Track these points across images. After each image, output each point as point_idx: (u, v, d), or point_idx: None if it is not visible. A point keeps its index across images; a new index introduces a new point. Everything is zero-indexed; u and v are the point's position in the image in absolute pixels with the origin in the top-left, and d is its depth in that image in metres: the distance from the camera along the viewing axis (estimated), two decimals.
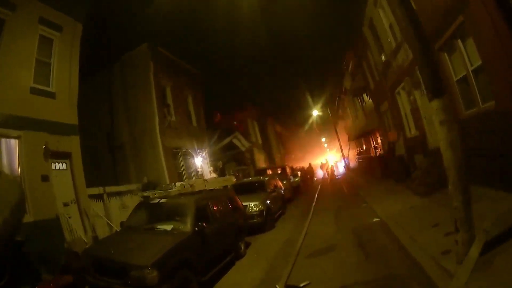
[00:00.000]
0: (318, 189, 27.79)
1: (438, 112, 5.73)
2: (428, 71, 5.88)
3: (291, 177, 27.72)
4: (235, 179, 16.65)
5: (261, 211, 14.25)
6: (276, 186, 18.41)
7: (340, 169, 50.79)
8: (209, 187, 11.65)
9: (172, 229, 7.85)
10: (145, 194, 9.89)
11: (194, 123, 26.54)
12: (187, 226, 7.85)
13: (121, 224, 9.36)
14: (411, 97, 16.92)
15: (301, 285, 4.51)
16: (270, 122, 52.92)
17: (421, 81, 15.13)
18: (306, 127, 66.93)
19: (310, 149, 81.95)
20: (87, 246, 10.44)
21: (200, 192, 10.60)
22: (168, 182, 19.09)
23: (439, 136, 5.83)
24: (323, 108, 48.45)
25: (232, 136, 30.16)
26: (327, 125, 65.63)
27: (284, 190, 21.07)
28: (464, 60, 10.00)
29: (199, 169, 24.23)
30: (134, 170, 21.16)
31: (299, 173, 39.18)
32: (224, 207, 10.58)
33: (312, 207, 18.18)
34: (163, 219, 8.44)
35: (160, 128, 20.90)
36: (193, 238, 7.65)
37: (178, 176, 21.70)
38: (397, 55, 17.55)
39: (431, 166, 14.22)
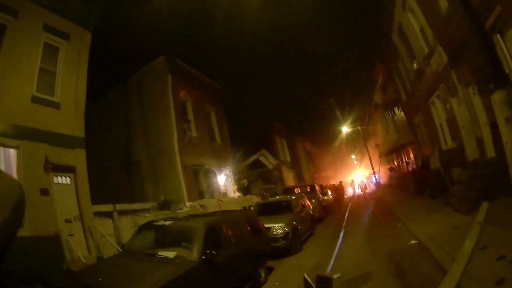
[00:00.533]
0: (349, 208, 26.39)
1: (501, 107, 4.53)
2: (486, 55, 4.70)
3: (321, 196, 26.57)
4: (256, 199, 15.61)
5: (286, 234, 13.05)
6: (304, 206, 17.24)
7: (369, 185, 49.09)
8: (225, 208, 10.49)
9: (175, 256, 6.69)
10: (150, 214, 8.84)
11: (218, 139, 25.79)
12: (193, 253, 6.70)
13: (122, 246, 8.52)
14: (447, 106, 15.66)
15: (334, 276, 3.57)
16: (299, 140, 51.80)
17: (458, 84, 13.99)
18: (337, 143, 65.21)
19: (339, 167, 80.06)
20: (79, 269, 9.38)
21: (213, 214, 9.53)
22: (187, 201, 18.33)
23: (504, 137, 4.57)
24: (353, 123, 46.91)
25: (259, 154, 29.10)
26: (357, 141, 64.18)
27: (313, 210, 19.91)
28: None
29: (222, 188, 23.25)
30: (151, 188, 20.41)
31: (329, 191, 37.94)
32: (242, 231, 9.46)
33: (343, 227, 16.94)
34: (167, 244, 7.39)
35: (178, 145, 20.12)
36: (200, 268, 6.50)
37: (199, 195, 20.77)
38: (430, 61, 16.42)
39: (472, 179, 12.88)
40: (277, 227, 13.08)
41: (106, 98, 23.23)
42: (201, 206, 9.45)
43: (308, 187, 27.54)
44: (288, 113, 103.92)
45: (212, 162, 22.99)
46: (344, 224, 18.02)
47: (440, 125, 17.86)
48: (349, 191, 54.17)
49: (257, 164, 31.37)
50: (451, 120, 15.71)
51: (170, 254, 6.76)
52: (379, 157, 46.75)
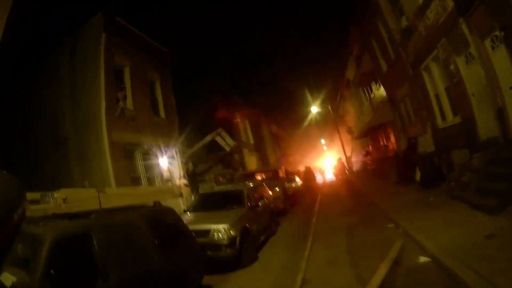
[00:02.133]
0: (319, 198, 22.83)
1: None
2: None
3: (286, 183, 23.07)
4: (185, 190, 11.85)
5: (232, 239, 9.39)
6: (262, 197, 13.58)
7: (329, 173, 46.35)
8: (115, 203, 6.46)
9: None
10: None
11: (162, 114, 21.72)
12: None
13: None
14: (451, 68, 12.01)
15: None
16: (264, 121, 47.97)
17: (469, 36, 10.50)
18: (305, 125, 61.68)
19: (308, 152, 77.00)
20: None
21: (87, 214, 5.57)
22: (115, 187, 14.74)
23: None
24: (323, 104, 43.12)
25: (215, 133, 25.01)
26: (327, 125, 61.16)
27: (275, 200, 16.77)
28: None
29: (164, 173, 19.18)
30: (78, 170, 16.53)
31: (296, 177, 34.38)
32: (137, 243, 5.58)
33: (312, 225, 13.27)
34: None
35: (107, 117, 15.92)
36: None
37: (133, 181, 16.80)
38: (426, 12, 12.95)
39: (494, 164, 9.38)
40: (219, 230, 9.45)
41: (42, 66, 18.98)
42: (64, 200, 5.50)
43: (271, 173, 23.92)
44: (253, 90, 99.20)
45: (154, 141, 18.88)
46: (313, 220, 14.35)
47: (436, 96, 14.38)
48: (318, 178, 51.27)
49: (216, 146, 27.38)
50: (456, 87, 12.16)
51: None
52: (352, 140, 43.66)
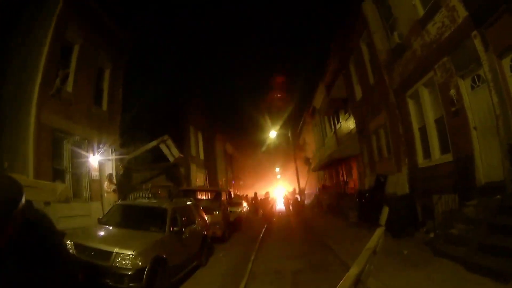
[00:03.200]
0: (265, 228, 20.20)
1: None
2: None
3: (230, 207, 20.52)
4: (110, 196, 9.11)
5: (139, 271, 6.88)
6: (193, 221, 11.07)
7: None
8: None
9: None
10: None
11: (104, 106, 18.82)
12: None
13: None
14: (451, 92, 9.81)
15: None
16: (220, 138, 45.11)
17: (483, 53, 8.36)
18: (263, 148, 59.42)
19: (262, 177, 74.79)
20: None
21: None
22: (32, 178, 11.80)
23: None
24: (283, 130, 40.79)
25: (160, 140, 22.17)
26: (284, 154, 59.30)
27: (213, 225, 14.61)
28: None
29: (93, 172, 16.21)
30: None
31: (243, 202, 31.70)
32: None
33: (250, 264, 10.49)
34: None
35: (40, 93, 13.12)
36: None
37: (55, 173, 13.89)
38: (426, 26, 10.78)
39: (500, 215, 7.13)
40: (123, 257, 6.99)
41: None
42: None
43: (214, 193, 21.25)
44: (212, 104, 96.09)
45: (88, 134, 16.13)
46: (252, 257, 11.65)
47: (422, 129, 12.23)
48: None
49: (163, 156, 24.46)
50: (452, 118, 9.96)
51: None
52: (308, 172, 41.52)
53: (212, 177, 38.45)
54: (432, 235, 10.00)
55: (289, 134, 38.16)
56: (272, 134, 40.20)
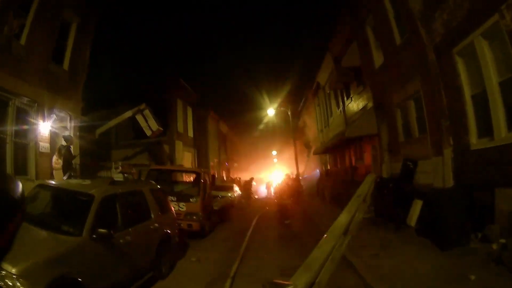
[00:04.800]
0: (255, 220, 17.01)
1: None
2: None
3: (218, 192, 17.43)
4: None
5: None
6: (146, 216, 7.80)
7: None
8: None
9: None
10: None
11: (65, 65, 15.74)
12: None
13: None
14: None
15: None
16: (213, 117, 41.66)
17: None
18: (261, 127, 56.27)
19: (257, 161, 71.65)
20: None
21: None
22: None
23: None
24: (282, 108, 36.95)
25: (136, 110, 18.86)
26: (282, 134, 56.83)
27: (188, 217, 12.19)
28: None
29: (42, 144, 13.25)
30: None
31: (235, 187, 28.55)
32: None
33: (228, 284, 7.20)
34: None
35: None
36: None
37: None
38: None
39: None
40: (6, 276, 3.94)
41: None
42: None
43: (191, 175, 18.05)
44: (206, 79, 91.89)
45: (40, 96, 13.43)
46: (235, 266, 8.40)
47: (477, 96, 8.83)
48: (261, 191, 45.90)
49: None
50: None
51: None
52: (307, 156, 38.33)
53: (202, 158, 35.36)
54: (495, 246, 6.77)
55: (289, 112, 34.57)
56: (270, 112, 36.55)
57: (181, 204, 12.44)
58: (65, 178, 11.77)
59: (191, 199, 12.68)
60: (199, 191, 13.18)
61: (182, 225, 12.18)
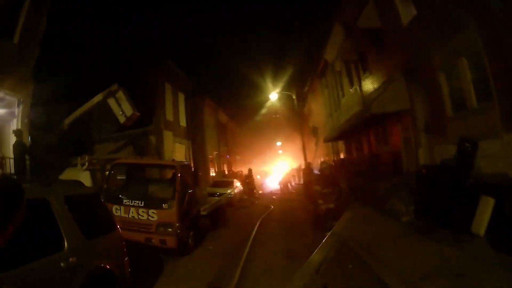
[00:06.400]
0: (257, 226, 13.78)
1: None
2: None
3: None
4: None
5: None
6: (53, 247, 4.35)
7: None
8: None
9: None
10: None
11: (16, 38, 13.09)
12: None
13: None
14: None
15: None
16: (210, 105, 38.18)
17: None
18: (263, 111, 53.36)
19: (262, 153, 68.71)
20: None
21: None
22: None
23: None
24: (286, 92, 33.58)
25: (107, 92, 15.58)
26: (287, 122, 53.92)
27: (158, 230, 9.20)
28: None
29: None
30: None
31: (236, 182, 25.41)
32: None
33: None
34: None
35: None
36: None
37: None
38: None
39: None
40: None
41: None
42: None
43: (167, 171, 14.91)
44: (202, 63, 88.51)
45: None
46: None
47: None
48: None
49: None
50: None
51: None
52: (316, 144, 35.13)
53: (198, 150, 32.08)
54: None
55: (294, 96, 31.09)
56: (273, 96, 32.89)
57: (151, 211, 9.15)
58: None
59: (163, 205, 9.33)
60: (174, 192, 9.69)
61: (153, 240, 9.02)
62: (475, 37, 8.46)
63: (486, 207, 7.05)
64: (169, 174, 13.26)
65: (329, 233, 9.91)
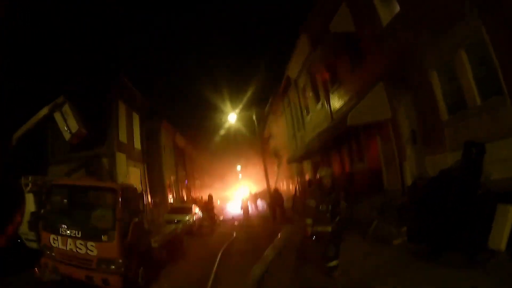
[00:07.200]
0: (219, 256, 11.93)
1: None
2: None
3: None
4: None
5: None
6: None
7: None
8: None
9: None
10: None
11: None
12: None
13: None
14: None
15: None
16: (167, 128, 36.82)
17: None
18: (222, 133, 51.92)
19: (222, 177, 67.83)
20: None
21: None
22: None
23: None
24: (246, 113, 32.37)
25: (52, 105, 13.80)
26: (246, 149, 53.33)
27: (96, 267, 7.52)
28: None
29: None
30: None
31: (195, 209, 23.48)
32: None
33: None
34: None
35: None
36: None
37: None
38: None
39: None
40: None
41: None
42: None
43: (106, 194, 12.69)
44: (158, 85, 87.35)
45: None
46: None
47: None
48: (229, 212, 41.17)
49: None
50: None
51: None
52: (278, 167, 34.01)
53: (154, 175, 30.34)
54: None
55: (254, 117, 29.76)
56: (232, 118, 31.39)
57: (89, 244, 7.31)
58: None
59: (103, 236, 7.54)
60: (114, 221, 7.87)
61: (94, 279, 7.21)
62: (476, 25, 7.27)
63: (505, 217, 5.84)
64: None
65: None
